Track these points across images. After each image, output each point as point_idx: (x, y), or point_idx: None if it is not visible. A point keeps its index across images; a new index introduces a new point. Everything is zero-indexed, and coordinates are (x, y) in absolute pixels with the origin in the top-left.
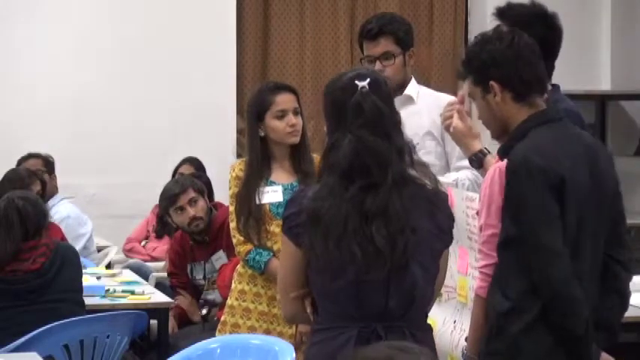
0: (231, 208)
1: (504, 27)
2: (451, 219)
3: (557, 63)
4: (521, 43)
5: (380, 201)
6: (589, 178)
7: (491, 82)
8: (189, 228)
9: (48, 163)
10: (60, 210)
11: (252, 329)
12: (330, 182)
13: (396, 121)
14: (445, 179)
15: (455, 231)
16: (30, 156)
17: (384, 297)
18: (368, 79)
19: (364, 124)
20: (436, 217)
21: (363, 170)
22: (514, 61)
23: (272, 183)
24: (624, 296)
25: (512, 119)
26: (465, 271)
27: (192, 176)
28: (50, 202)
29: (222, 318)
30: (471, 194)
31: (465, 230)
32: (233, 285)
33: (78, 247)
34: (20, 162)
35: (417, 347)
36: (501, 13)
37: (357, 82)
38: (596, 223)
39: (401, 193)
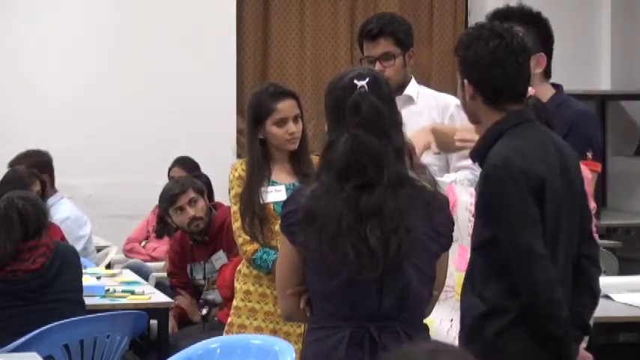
0: (235, 208)
1: (503, 25)
2: (451, 222)
3: (558, 63)
4: (507, 48)
5: (375, 200)
6: (562, 178)
7: (465, 80)
8: (189, 228)
9: (40, 164)
10: (60, 210)
11: (258, 329)
12: (326, 181)
13: (396, 122)
14: (444, 180)
15: (455, 229)
16: (20, 158)
17: (378, 297)
18: (367, 79)
19: (361, 123)
20: (433, 219)
21: (359, 169)
22: (489, 68)
23: (274, 183)
24: (595, 292)
25: (481, 118)
26: (463, 268)
27: (192, 176)
28: (49, 201)
29: (229, 319)
30: (474, 191)
31: (467, 227)
32: (237, 286)
33: (77, 248)
34: (11, 164)
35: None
36: (496, 16)
37: (356, 81)
38: (570, 222)
39: (396, 193)
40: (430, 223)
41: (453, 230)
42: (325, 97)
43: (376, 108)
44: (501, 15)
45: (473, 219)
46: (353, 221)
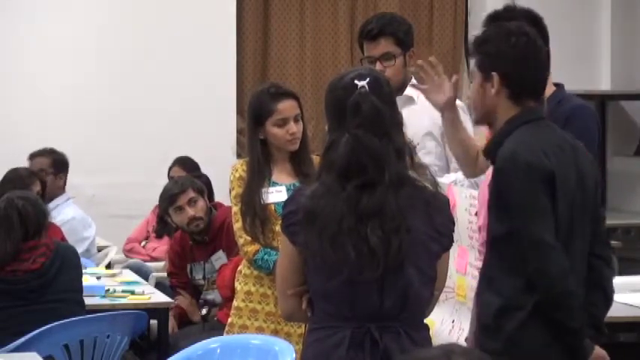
0: (235, 209)
1: (524, 24)
2: (451, 222)
3: (557, 63)
4: (533, 46)
5: (376, 200)
6: (575, 176)
7: (494, 74)
8: (188, 228)
9: (57, 163)
10: (65, 211)
11: (260, 330)
12: (327, 181)
13: (397, 122)
14: (444, 180)
15: (455, 230)
16: (40, 153)
17: (379, 297)
18: (368, 79)
19: (362, 123)
20: (434, 219)
21: (360, 169)
22: (521, 63)
23: (275, 183)
24: (608, 293)
25: (499, 114)
26: (463, 270)
27: (192, 176)
28: (55, 202)
29: (230, 320)
30: (474, 192)
31: (466, 229)
32: (238, 287)
33: (80, 250)
34: (31, 158)
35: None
36: (494, 18)
37: (356, 81)
38: (582, 221)
39: (397, 193)
40: (431, 223)
41: (453, 230)
42: (326, 97)
43: (377, 108)
44: (503, 16)
45: (473, 220)
46: (354, 221)
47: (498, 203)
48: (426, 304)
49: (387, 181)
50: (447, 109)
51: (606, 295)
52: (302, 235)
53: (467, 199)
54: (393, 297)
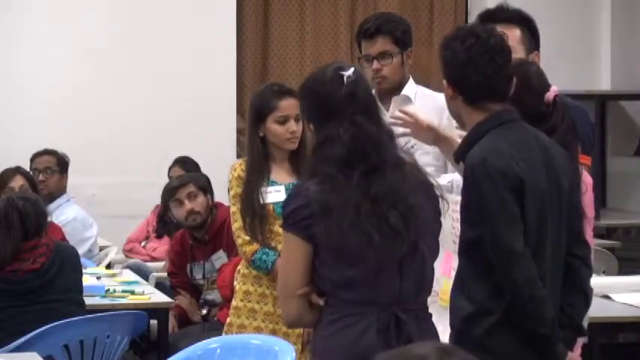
0: (234, 209)
1: (484, 26)
2: (440, 202)
3: (558, 63)
4: (482, 47)
5: (386, 182)
6: (546, 177)
7: (444, 81)
8: (186, 222)
9: (62, 162)
10: (67, 211)
11: (258, 330)
12: (331, 174)
13: (379, 107)
14: (440, 181)
15: (441, 234)
16: (45, 152)
17: (399, 280)
18: (351, 69)
19: (358, 109)
20: (431, 199)
21: (363, 155)
22: (464, 66)
23: (273, 183)
24: (586, 293)
25: (465, 119)
26: (448, 274)
27: (197, 174)
28: (57, 202)
29: (228, 319)
30: (457, 198)
31: (450, 234)
32: (237, 286)
33: (82, 250)
34: (34, 157)
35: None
36: (486, 17)
37: (341, 72)
38: (556, 222)
39: (402, 173)
40: (431, 203)
41: (441, 214)
42: (309, 95)
43: (370, 93)
44: (488, 16)
45: (457, 225)
46: (370, 205)
47: (469, 209)
48: (432, 283)
49: (389, 164)
50: (437, 141)
51: (585, 296)
52: (319, 226)
53: (450, 204)
54: (411, 280)
